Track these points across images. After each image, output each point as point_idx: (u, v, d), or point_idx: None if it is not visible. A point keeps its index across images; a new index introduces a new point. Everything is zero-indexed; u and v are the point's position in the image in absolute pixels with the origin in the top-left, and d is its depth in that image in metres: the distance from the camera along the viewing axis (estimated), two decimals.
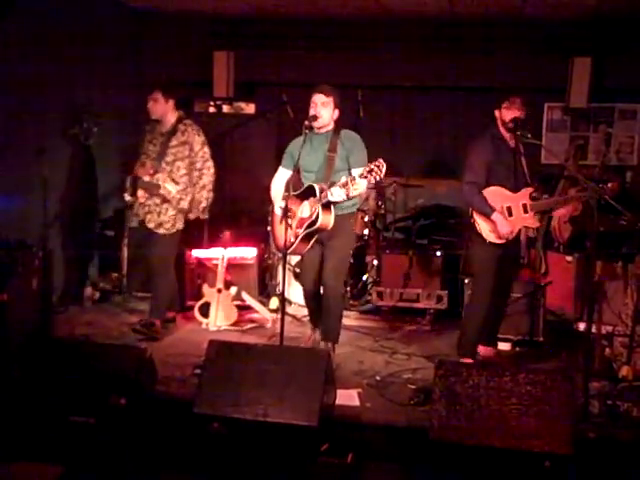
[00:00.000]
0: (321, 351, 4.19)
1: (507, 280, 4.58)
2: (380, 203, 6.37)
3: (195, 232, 6.25)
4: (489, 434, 3.22)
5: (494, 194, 4.29)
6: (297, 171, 4.40)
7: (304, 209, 4.29)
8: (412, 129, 6.92)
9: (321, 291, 4.59)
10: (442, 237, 6.28)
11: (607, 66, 6.55)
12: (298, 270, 5.46)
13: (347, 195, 4.02)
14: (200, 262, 5.85)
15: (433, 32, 6.77)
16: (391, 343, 5.13)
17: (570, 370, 3.91)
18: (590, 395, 3.67)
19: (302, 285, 4.60)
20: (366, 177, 3.90)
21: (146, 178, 4.93)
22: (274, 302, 5.77)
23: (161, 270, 5.03)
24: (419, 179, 6.64)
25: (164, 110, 4.93)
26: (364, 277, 6.08)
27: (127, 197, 5.12)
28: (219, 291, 5.39)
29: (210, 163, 5.00)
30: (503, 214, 4.25)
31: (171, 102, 4.95)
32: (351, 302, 5.88)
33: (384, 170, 3.86)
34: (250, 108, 7.63)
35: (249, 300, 5.72)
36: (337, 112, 4.34)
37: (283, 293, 4.16)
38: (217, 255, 5.55)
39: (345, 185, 3.97)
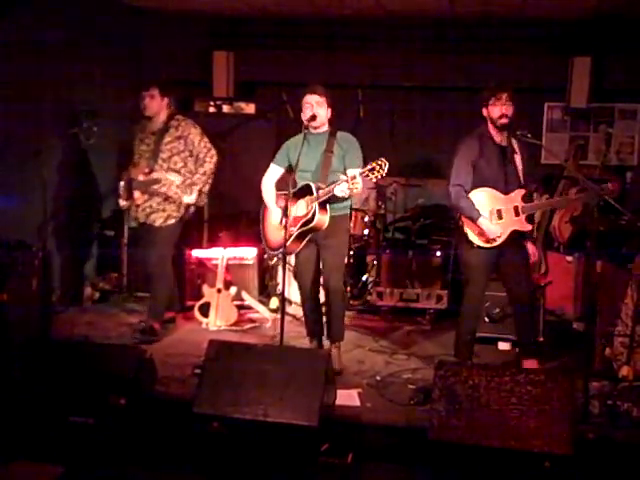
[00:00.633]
0: (321, 351, 4.19)
1: (518, 286, 4.28)
2: (380, 203, 6.37)
3: (195, 232, 6.26)
4: (489, 434, 3.21)
5: (483, 196, 4.15)
6: (290, 170, 4.40)
7: (299, 207, 4.28)
8: (412, 129, 6.92)
9: (321, 292, 4.60)
10: (442, 237, 6.27)
11: (607, 66, 6.54)
12: None
13: (350, 191, 3.99)
14: (200, 262, 5.85)
15: (433, 32, 6.76)
16: (391, 343, 5.14)
17: (570, 370, 3.92)
18: (590, 395, 3.67)
19: (300, 286, 4.55)
20: (367, 175, 3.90)
21: (141, 178, 4.89)
22: (274, 302, 5.78)
23: (159, 270, 5.00)
24: (419, 179, 6.65)
25: (159, 107, 4.90)
26: (364, 277, 6.08)
27: (122, 202, 5.05)
28: (219, 291, 5.39)
29: (213, 151, 4.94)
30: (492, 217, 4.11)
31: (166, 100, 4.92)
32: (351, 302, 5.88)
33: (386, 169, 3.86)
34: (250, 108, 7.63)
35: (249, 300, 5.72)
36: (330, 111, 4.35)
37: (283, 293, 4.16)
38: (217, 255, 5.55)
39: (350, 180, 3.94)
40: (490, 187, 4.16)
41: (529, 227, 4.19)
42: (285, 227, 4.11)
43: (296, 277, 4.61)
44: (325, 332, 4.55)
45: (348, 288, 5.78)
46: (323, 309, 4.60)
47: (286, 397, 3.42)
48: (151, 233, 4.97)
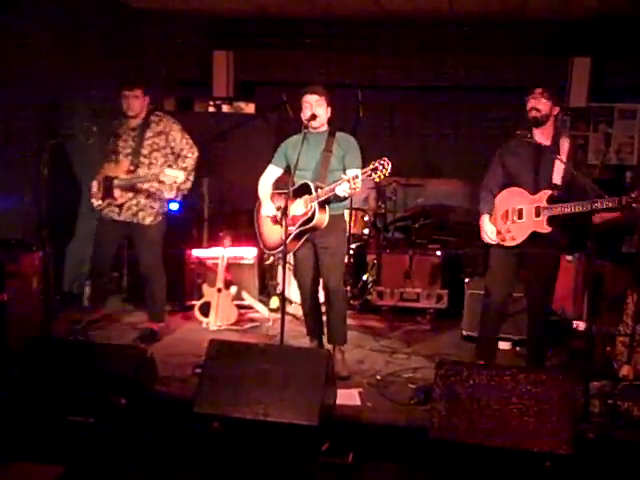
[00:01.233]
0: (321, 351, 4.19)
1: (533, 300, 4.24)
2: (380, 203, 6.37)
3: (195, 232, 6.26)
4: (489, 434, 3.22)
5: (508, 194, 4.10)
6: (288, 170, 4.40)
7: (297, 207, 4.27)
8: (412, 129, 6.93)
9: (320, 293, 4.59)
10: (442, 237, 6.28)
11: (607, 66, 6.55)
12: None
13: (352, 190, 3.98)
14: (200, 262, 5.85)
15: (433, 32, 6.77)
16: (391, 343, 5.14)
17: (570, 370, 3.91)
18: (590, 395, 3.66)
19: (300, 285, 4.55)
20: (370, 175, 3.90)
21: (123, 176, 4.78)
22: (274, 302, 5.78)
23: (156, 270, 4.96)
24: (419, 179, 6.65)
25: (142, 107, 4.84)
26: (364, 277, 6.08)
27: (97, 202, 4.88)
28: (219, 291, 5.39)
29: (195, 147, 4.89)
30: (512, 216, 4.05)
31: (147, 98, 4.86)
32: (351, 302, 5.88)
33: (389, 169, 3.85)
34: (250, 108, 7.64)
35: (249, 300, 5.72)
36: (329, 111, 4.35)
37: (283, 293, 4.15)
38: (217, 255, 5.55)
39: (352, 180, 3.93)
40: (519, 185, 4.09)
41: (548, 229, 3.96)
42: (286, 227, 4.10)
43: (296, 276, 4.61)
44: (326, 333, 4.55)
45: (348, 288, 5.78)
46: (323, 309, 4.60)
47: (286, 397, 3.42)
48: (141, 232, 4.87)
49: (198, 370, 3.85)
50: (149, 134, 4.82)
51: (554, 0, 5.84)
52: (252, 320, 5.60)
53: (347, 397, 3.93)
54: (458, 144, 6.78)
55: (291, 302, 5.80)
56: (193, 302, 5.56)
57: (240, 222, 6.41)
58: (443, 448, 3.25)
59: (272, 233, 4.45)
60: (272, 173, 4.52)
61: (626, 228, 4.81)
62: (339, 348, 4.46)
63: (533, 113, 4.01)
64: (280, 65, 7.05)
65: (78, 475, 3.32)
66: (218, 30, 7.16)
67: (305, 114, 4.28)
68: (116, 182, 4.81)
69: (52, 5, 5.50)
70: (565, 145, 4.05)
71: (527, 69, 6.51)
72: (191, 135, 4.94)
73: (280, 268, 5.42)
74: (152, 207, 4.84)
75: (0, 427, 3.55)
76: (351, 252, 5.81)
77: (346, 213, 4.82)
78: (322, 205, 4.19)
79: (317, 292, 4.59)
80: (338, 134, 4.37)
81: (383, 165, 3.85)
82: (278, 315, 4.45)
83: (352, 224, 5.77)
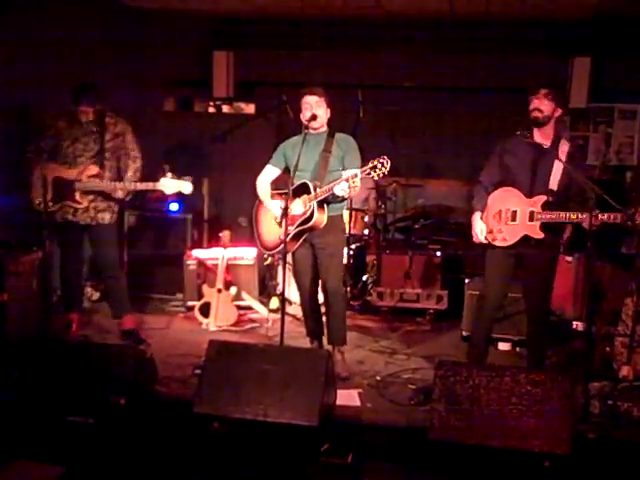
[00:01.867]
0: (321, 351, 4.19)
1: (531, 303, 4.18)
2: (380, 203, 6.37)
3: (195, 232, 6.26)
4: (489, 434, 3.22)
5: (503, 194, 4.05)
6: (286, 171, 4.40)
7: (296, 206, 4.27)
8: (412, 129, 6.92)
9: (320, 294, 4.59)
10: (442, 237, 6.28)
11: (607, 66, 6.55)
12: None
13: (351, 190, 3.97)
14: (200, 262, 5.85)
15: (433, 32, 6.77)
16: (391, 343, 5.14)
17: (570, 370, 3.92)
18: (590, 395, 3.67)
19: (299, 285, 4.55)
20: (369, 173, 3.90)
21: (85, 179, 4.67)
22: (274, 302, 5.78)
23: (118, 268, 5.05)
24: (419, 179, 6.65)
25: (94, 111, 4.77)
26: (364, 277, 6.08)
27: (49, 204, 4.60)
28: (219, 291, 5.40)
29: (139, 148, 4.90)
30: (504, 217, 4.02)
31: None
32: (351, 302, 5.88)
33: (388, 167, 3.85)
34: (250, 108, 7.63)
35: (249, 300, 5.72)
36: (329, 111, 4.35)
37: (283, 293, 4.16)
38: (217, 255, 5.55)
39: (351, 179, 3.93)
40: (515, 184, 4.03)
41: (541, 235, 3.93)
42: (285, 226, 4.10)
43: (295, 276, 4.61)
44: (325, 334, 4.55)
45: (348, 288, 5.78)
46: (323, 309, 4.60)
47: (286, 397, 3.42)
48: (102, 232, 4.83)
49: (198, 371, 3.85)
50: (108, 136, 4.78)
51: (554, 0, 5.84)
52: (252, 321, 5.60)
53: (347, 398, 3.93)
54: (458, 145, 6.77)
55: (291, 303, 5.80)
56: (193, 303, 5.57)
57: (240, 222, 6.42)
58: (443, 449, 3.25)
59: (271, 233, 4.45)
60: (270, 173, 4.52)
61: (626, 229, 4.81)
62: (339, 349, 4.46)
63: (535, 113, 3.96)
64: (280, 65, 7.04)
65: (78, 475, 3.32)
66: (218, 30, 7.15)
67: (305, 115, 4.28)
68: (78, 185, 4.69)
69: (51, 5, 5.49)
70: (565, 148, 4.01)
71: (527, 69, 6.50)
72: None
73: (280, 268, 5.42)
74: (109, 206, 4.84)
75: (0, 427, 3.55)
76: (351, 253, 5.82)
77: (346, 214, 4.84)
78: (321, 205, 4.20)
79: (316, 293, 4.59)
80: (337, 135, 4.37)
81: (382, 163, 3.86)
82: (278, 316, 4.45)
83: (352, 225, 5.78)
